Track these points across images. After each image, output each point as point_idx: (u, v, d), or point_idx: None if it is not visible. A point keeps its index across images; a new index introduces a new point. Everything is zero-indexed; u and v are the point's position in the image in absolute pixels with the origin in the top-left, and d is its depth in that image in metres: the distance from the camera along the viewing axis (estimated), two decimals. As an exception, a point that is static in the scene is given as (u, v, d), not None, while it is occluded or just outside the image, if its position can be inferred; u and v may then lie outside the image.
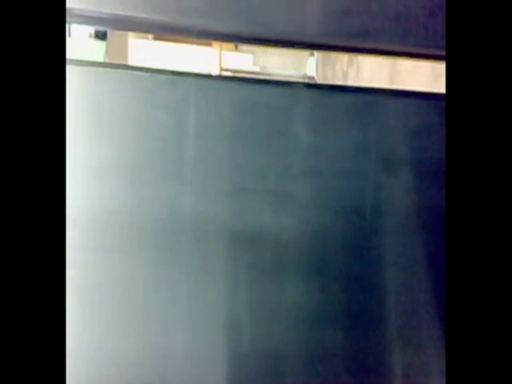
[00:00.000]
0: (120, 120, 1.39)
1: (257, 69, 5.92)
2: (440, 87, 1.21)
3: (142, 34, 5.80)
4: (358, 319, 1.41)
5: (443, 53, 1.13)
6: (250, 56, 6.08)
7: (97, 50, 4.24)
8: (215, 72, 5.73)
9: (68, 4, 1.29)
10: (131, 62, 5.33)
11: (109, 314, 1.37)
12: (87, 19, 1.38)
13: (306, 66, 5.68)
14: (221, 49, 6.00)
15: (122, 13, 1.35)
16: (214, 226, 1.40)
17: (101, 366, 1.38)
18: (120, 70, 1.41)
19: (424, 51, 1.43)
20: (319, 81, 5.55)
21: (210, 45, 5.89)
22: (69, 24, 2.94)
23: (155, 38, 6.20)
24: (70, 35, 4.46)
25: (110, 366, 1.39)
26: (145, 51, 5.87)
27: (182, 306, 1.39)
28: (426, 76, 3.11)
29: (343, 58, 4.43)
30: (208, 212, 1.40)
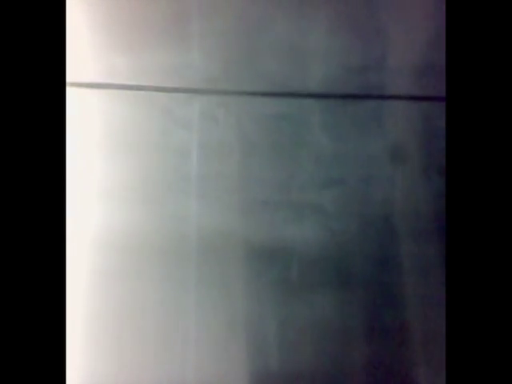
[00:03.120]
0: (138, 140, 1.38)
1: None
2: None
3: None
4: (387, 333, 1.37)
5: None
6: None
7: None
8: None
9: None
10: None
11: (128, 337, 1.35)
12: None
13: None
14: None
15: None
16: (236, 243, 1.38)
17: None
18: (135, 92, 1.41)
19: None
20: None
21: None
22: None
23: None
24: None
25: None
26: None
27: (205, 325, 1.36)
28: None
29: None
30: (230, 228, 1.38)
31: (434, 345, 1.37)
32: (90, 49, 1.38)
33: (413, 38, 1.45)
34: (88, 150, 1.37)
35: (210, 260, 1.37)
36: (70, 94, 1.37)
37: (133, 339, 1.34)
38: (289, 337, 1.35)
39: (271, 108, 1.43)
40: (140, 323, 1.35)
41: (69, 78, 1.37)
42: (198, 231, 1.37)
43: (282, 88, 1.43)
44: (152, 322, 1.35)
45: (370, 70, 1.44)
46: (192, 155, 1.39)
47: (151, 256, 1.36)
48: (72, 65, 1.37)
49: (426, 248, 1.40)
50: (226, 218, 1.38)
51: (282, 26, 1.42)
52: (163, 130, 1.39)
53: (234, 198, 1.39)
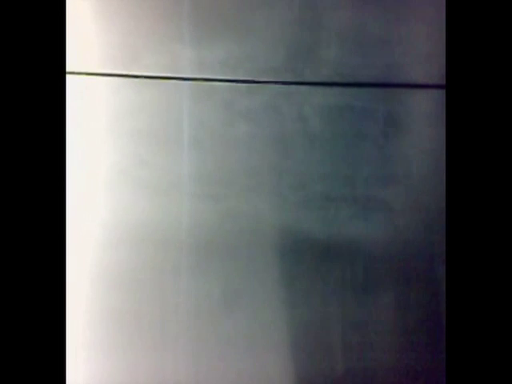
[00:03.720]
0: (198, 132, 1.34)
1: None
2: None
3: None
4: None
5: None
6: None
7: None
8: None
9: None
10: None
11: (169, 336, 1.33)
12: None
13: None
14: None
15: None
16: (299, 240, 1.35)
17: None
18: (194, 82, 1.36)
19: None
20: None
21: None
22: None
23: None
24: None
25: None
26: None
27: (268, 327, 1.35)
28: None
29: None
30: (292, 225, 1.35)
31: None
32: (151, 41, 1.33)
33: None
34: (150, 143, 1.34)
35: (272, 257, 1.34)
36: (129, 86, 1.33)
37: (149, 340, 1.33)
38: (355, 338, 1.33)
39: (334, 98, 1.38)
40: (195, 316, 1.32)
41: (128, 70, 1.33)
42: (257, 227, 1.34)
43: (345, 78, 1.37)
44: (210, 315, 1.33)
45: (435, 58, 1.38)
46: (254, 148, 1.35)
47: (210, 253, 1.33)
48: (130, 57, 1.33)
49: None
50: (288, 214, 1.35)
51: (346, 13, 1.36)
52: (225, 122, 1.35)
53: (297, 193, 1.36)
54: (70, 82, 1.31)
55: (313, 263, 1.35)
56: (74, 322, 1.31)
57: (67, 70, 1.29)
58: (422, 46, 1.38)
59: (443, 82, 1.39)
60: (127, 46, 1.33)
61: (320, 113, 1.37)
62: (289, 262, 1.34)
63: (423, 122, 1.39)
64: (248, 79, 1.35)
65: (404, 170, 1.38)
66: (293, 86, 1.37)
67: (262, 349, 1.34)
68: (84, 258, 1.33)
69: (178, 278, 1.33)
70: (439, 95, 1.38)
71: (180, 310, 1.33)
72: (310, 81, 1.37)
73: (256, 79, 1.36)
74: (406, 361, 1.35)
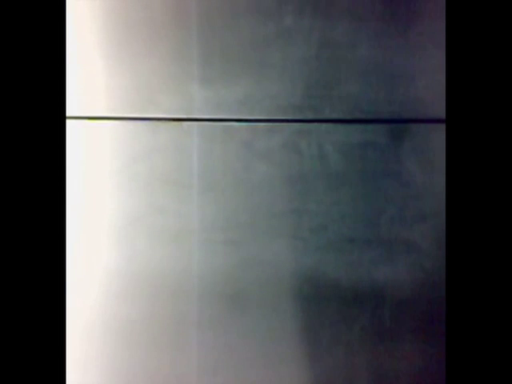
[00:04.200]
0: (214, 174, 1.30)
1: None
2: None
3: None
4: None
5: None
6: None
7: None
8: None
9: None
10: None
11: None
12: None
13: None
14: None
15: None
16: (323, 285, 1.29)
17: None
18: (210, 123, 1.32)
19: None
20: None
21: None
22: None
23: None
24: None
25: None
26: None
27: (290, 380, 1.29)
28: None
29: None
30: (316, 270, 1.29)
31: None
32: (166, 82, 1.29)
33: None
34: (163, 188, 1.30)
35: (293, 307, 1.29)
36: (143, 127, 1.29)
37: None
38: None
39: (356, 135, 1.33)
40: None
41: (141, 112, 1.29)
42: (276, 274, 1.29)
43: (366, 114, 1.32)
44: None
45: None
46: (272, 190, 1.30)
47: (225, 304, 1.28)
48: (145, 99, 1.29)
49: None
50: (308, 258, 1.30)
51: (364, 49, 1.32)
52: (243, 163, 1.30)
53: (318, 235, 1.30)
54: (79, 126, 1.28)
55: (336, 311, 1.29)
56: (81, 371, 1.27)
57: (77, 114, 1.26)
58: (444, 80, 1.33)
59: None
60: (141, 88, 1.30)
61: (341, 151, 1.32)
62: (311, 310, 1.29)
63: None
64: (266, 118, 1.31)
65: (430, 208, 1.32)
66: (313, 124, 1.32)
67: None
68: (92, 308, 1.29)
69: (191, 331, 1.29)
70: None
71: (194, 366, 1.28)
72: (331, 118, 1.32)
73: (275, 118, 1.31)
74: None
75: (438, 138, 1.33)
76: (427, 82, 1.33)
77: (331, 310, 1.29)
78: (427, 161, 1.33)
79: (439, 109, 1.33)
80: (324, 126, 1.32)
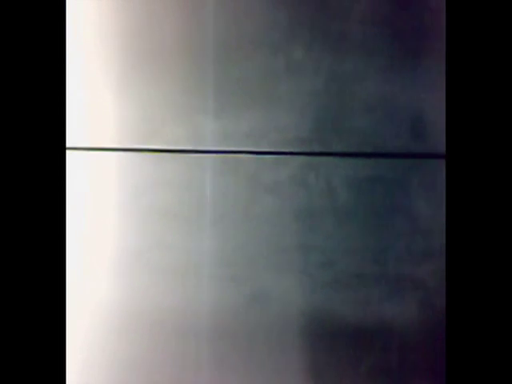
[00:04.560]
0: (220, 208, 1.27)
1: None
2: None
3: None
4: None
5: None
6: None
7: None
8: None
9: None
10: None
11: None
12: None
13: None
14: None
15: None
16: (329, 323, 1.26)
17: None
18: (217, 155, 1.30)
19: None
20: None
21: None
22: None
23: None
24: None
25: None
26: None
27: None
28: None
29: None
30: (322, 307, 1.26)
31: None
32: (172, 113, 1.27)
33: None
34: (168, 221, 1.27)
35: (301, 345, 1.26)
36: (148, 159, 1.27)
37: None
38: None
39: (364, 169, 1.31)
40: None
41: (147, 143, 1.27)
42: (284, 312, 1.26)
43: (374, 148, 1.31)
44: None
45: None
46: (280, 224, 1.28)
47: (233, 342, 1.25)
48: (150, 130, 1.27)
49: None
50: (316, 295, 1.27)
51: (373, 82, 1.31)
52: (250, 196, 1.28)
53: (326, 271, 1.28)
54: (84, 157, 1.25)
55: (344, 348, 1.26)
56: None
57: (82, 145, 1.24)
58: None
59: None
60: (146, 118, 1.28)
61: (349, 185, 1.30)
62: (318, 348, 1.25)
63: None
64: (274, 151, 1.29)
65: (439, 244, 1.30)
66: (320, 157, 1.30)
67: None
68: (95, 347, 1.25)
69: (198, 371, 1.25)
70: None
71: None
72: (339, 151, 1.30)
73: (282, 150, 1.29)
74: None
75: (446, 172, 1.32)
76: (434, 117, 1.32)
77: (338, 347, 1.26)
78: (435, 196, 1.31)
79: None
80: (332, 159, 1.30)
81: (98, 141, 1.28)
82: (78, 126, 1.29)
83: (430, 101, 1.32)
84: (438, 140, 1.32)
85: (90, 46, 1.29)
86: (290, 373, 1.26)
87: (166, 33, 1.28)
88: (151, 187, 1.27)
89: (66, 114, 1.21)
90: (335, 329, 1.26)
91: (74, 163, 1.28)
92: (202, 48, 1.28)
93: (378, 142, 1.31)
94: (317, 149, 1.30)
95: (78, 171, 1.29)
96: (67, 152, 1.27)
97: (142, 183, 1.27)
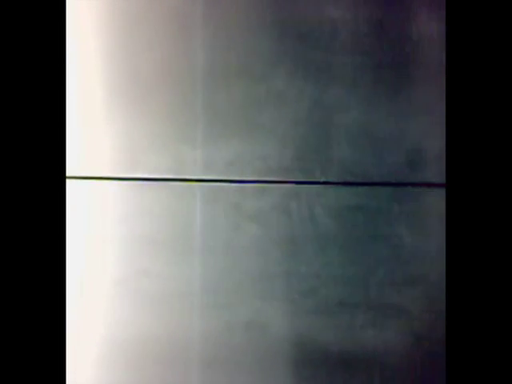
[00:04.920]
0: (203, 236, 1.28)
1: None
2: None
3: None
4: None
5: None
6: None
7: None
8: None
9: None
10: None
11: None
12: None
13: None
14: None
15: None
16: (311, 350, 1.27)
17: None
18: (199, 184, 1.31)
19: None
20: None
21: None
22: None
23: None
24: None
25: None
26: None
27: None
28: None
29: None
30: (304, 334, 1.27)
31: None
32: (155, 143, 1.29)
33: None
34: (150, 250, 1.28)
35: (284, 371, 1.26)
36: (128, 188, 1.28)
37: None
38: None
39: (346, 198, 1.33)
40: None
41: (128, 172, 1.28)
42: (267, 338, 1.27)
43: (356, 177, 1.33)
44: None
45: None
46: (263, 252, 1.29)
47: (218, 369, 1.26)
48: (133, 159, 1.29)
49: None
50: (298, 322, 1.28)
51: (355, 113, 1.33)
52: (232, 225, 1.29)
53: (308, 299, 1.29)
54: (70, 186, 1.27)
55: (326, 375, 1.27)
56: None
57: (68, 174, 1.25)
58: (434, 144, 1.34)
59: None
60: (129, 148, 1.29)
61: (331, 213, 1.31)
62: (301, 374, 1.26)
63: (439, 220, 1.33)
64: (257, 179, 1.31)
65: (421, 272, 1.32)
66: (303, 186, 1.32)
67: None
68: (80, 376, 1.25)
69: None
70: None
71: None
72: (321, 180, 1.32)
73: (265, 179, 1.31)
74: None
75: (427, 201, 1.34)
76: (415, 146, 1.34)
77: (321, 373, 1.27)
78: (416, 224, 1.33)
79: (428, 172, 1.34)
80: (314, 188, 1.32)
81: (74, 170, 1.29)
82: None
83: (412, 130, 1.34)
84: (421, 169, 1.34)
85: (84, 81, 1.30)
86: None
87: (149, 63, 1.30)
88: (135, 216, 1.28)
89: (65, 145, 1.21)
90: (318, 355, 1.27)
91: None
92: (186, 78, 1.30)
93: (360, 170, 1.33)
94: (299, 178, 1.32)
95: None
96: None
97: (125, 211, 1.28)
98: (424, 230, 1.33)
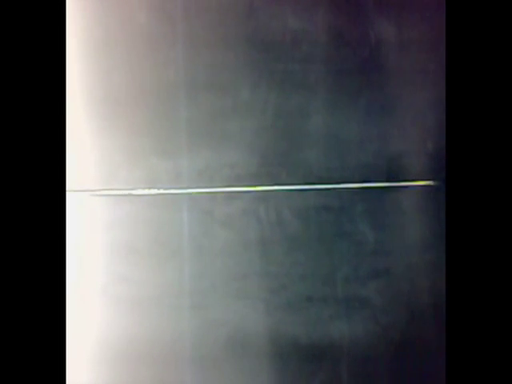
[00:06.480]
0: (176, 242, 1.37)
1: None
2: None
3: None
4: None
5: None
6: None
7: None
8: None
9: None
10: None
11: None
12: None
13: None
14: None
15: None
16: (283, 343, 1.36)
17: None
18: (175, 195, 1.39)
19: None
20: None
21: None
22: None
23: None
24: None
25: None
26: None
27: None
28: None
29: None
30: (275, 328, 1.36)
31: None
32: (127, 156, 1.37)
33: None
34: (127, 257, 1.36)
35: (258, 365, 1.35)
36: (103, 201, 1.36)
37: None
38: None
39: (312, 200, 1.41)
40: None
41: (103, 185, 1.36)
42: (242, 334, 1.36)
43: (321, 179, 1.40)
44: None
45: (405, 157, 1.41)
46: (234, 254, 1.37)
47: (194, 366, 1.34)
48: (107, 173, 1.36)
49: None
50: (270, 317, 1.36)
51: (318, 119, 1.40)
52: (204, 230, 1.37)
53: (278, 296, 1.37)
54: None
55: (297, 367, 1.36)
56: None
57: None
58: (396, 145, 1.41)
59: (424, 178, 1.42)
60: (107, 162, 1.37)
61: (298, 215, 1.39)
62: (273, 368, 1.35)
63: (401, 218, 1.41)
64: (226, 186, 1.39)
65: (384, 266, 1.40)
66: (270, 191, 1.40)
67: None
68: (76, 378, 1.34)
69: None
70: (422, 192, 1.41)
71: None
72: (287, 183, 1.40)
73: (234, 186, 1.39)
74: None
75: (387, 199, 1.42)
76: (376, 147, 1.41)
77: (292, 366, 1.36)
78: (378, 221, 1.40)
79: (388, 172, 1.42)
80: (281, 192, 1.40)
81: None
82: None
83: (372, 133, 1.41)
84: (381, 168, 1.41)
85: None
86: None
87: (122, 79, 1.37)
88: (115, 226, 1.36)
89: (65, 159, 1.27)
90: (288, 348, 1.36)
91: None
92: (157, 93, 1.37)
93: (323, 173, 1.40)
94: (266, 183, 1.39)
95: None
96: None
97: (103, 222, 1.36)
98: (385, 227, 1.41)
